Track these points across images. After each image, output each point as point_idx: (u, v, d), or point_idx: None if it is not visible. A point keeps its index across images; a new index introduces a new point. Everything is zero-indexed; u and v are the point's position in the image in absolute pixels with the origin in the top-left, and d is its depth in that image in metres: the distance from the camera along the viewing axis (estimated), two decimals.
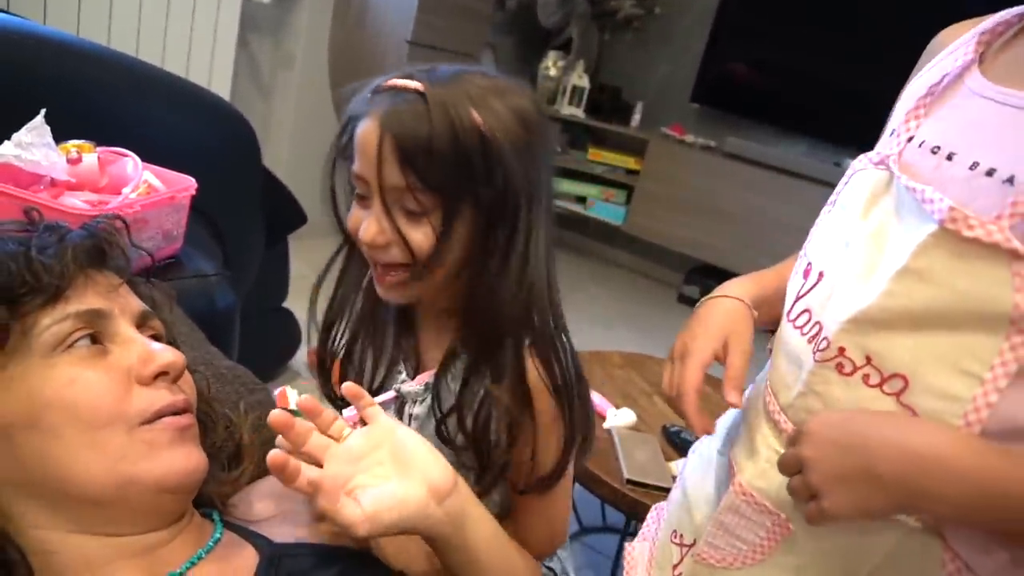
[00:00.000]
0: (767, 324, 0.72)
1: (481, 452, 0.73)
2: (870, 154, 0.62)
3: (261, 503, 0.67)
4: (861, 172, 0.61)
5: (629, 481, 1.29)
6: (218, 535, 0.60)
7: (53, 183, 1.04)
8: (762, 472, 0.63)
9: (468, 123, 0.64)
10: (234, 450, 0.73)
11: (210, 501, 0.65)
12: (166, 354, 0.56)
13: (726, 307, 0.72)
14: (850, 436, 0.53)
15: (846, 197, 0.63)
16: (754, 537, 0.64)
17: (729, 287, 0.74)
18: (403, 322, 0.81)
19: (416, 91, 0.65)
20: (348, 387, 0.61)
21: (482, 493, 0.73)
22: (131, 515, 0.54)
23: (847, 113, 3.11)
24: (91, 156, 1.08)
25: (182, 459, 0.55)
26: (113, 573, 0.53)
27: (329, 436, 0.60)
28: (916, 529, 0.55)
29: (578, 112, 3.53)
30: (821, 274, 0.62)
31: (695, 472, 0.76)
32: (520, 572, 0.66)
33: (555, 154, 0.77)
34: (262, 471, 0.75)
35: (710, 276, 3.37)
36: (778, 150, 3.19)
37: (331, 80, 2.94)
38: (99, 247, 0.59)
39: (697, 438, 0.78)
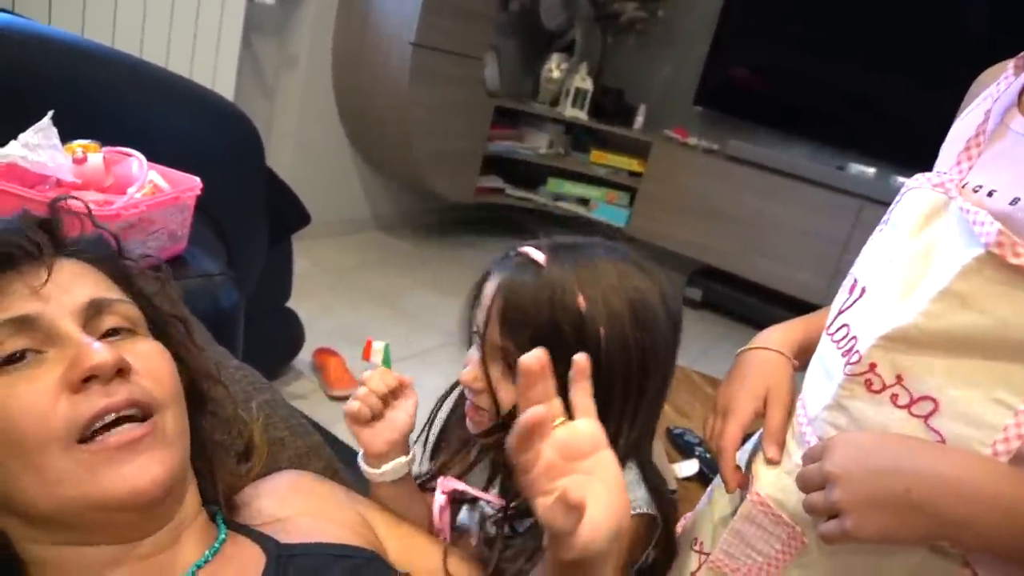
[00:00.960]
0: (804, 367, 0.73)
1: None
2: (928, 174, 0.62)
3: (267, 505, 0.67)
4: (915, 191, 0.61)
5: None
6: (223, 536, 0.60)
7: (59, 183, 1.04)
8: (780, 483, 0.63)
9: (570, 305, 0.66)
10: (244, 448, 0.73)
11: (215, 497, 0.64)
12: (98, 353, 0.50)
13: (765, 360, 0.73)
14: (881, 460, 0.53)
15: (898, 215, 0.62)
16: (769, 549, 0.63)
17: (768, 337, 0.75)
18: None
19: (536, 265, 0.69)
20: (530, 360, 0.49)
21: None
22: (103, 530, 0.52)
23: (851, 116, 3.12)
24: (96, 156, 1.09)
25: (131, 477, 0.50)
26: None
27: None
28: (938, 551, 0.55)
29: (581, 114, 3.54)
30: (864, 290, 0.62)
31: (723, 486, 0.76)
32: None
33: (674, 349, 0.74)
34: (268, 471, 0.75)
35: (713, 279, 3.37)
36: (781, 153, 3.19)
37: (334, 81, 2.95)
38: (6, 252, 0.53)
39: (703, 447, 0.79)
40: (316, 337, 2.26)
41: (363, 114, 3.00)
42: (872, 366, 0.56)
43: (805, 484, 0.57)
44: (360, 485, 0.88)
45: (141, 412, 0.52)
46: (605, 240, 0.75)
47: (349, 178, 3.23)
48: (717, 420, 0.71)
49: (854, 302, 0.62)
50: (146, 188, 1.09)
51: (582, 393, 0.50)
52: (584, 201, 3.63)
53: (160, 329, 0.62)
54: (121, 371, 0.52)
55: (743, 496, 0.68)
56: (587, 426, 0.49)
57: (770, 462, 0.65)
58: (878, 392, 0.56)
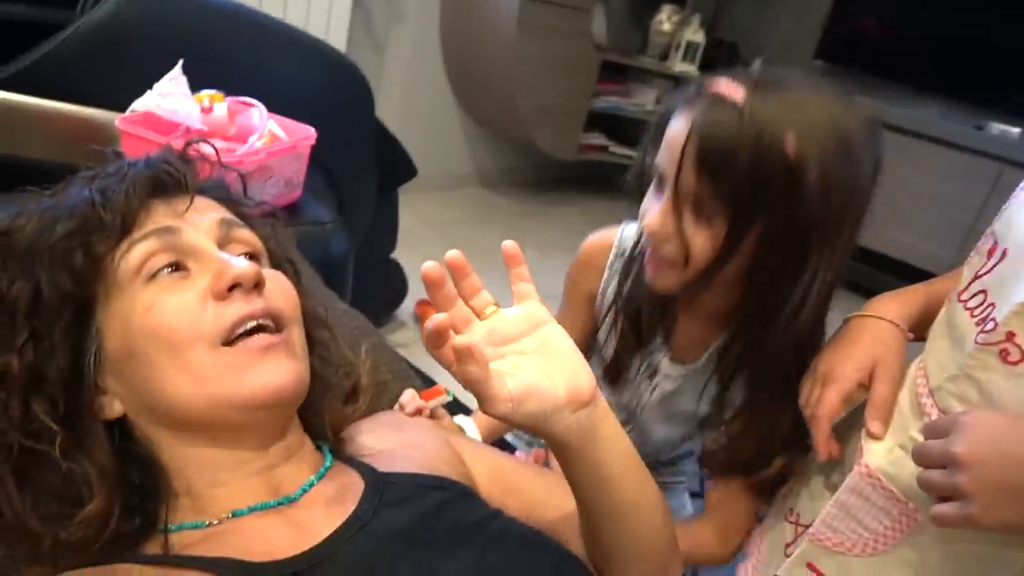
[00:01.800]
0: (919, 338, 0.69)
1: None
2: None
3: (368, 440, 0.70)
4: None
5: None
6: (328, 464, 0.64)
7: (188, 131, 1.10)
8: (893, 456, 0.59)
9: (778, 148, 0.62)
10: (351, 389, 0.76)
11: (323, 432, 0.68)
12: (240, 265, 0.55)
13: (877, 330, 0.68)
14: (1018, 446, 0.49)
15: None
16: (877, 524, 0.60)
17: (883, 306, 0.71)
18: (663, 309, 0.83)
19: (733, 101, 0.64)
20: (506, 245, 0.53)
21: None
22: (237, 432, 0.57)
23: (991, 72, 2.84)
24: (221, 106, 1.14)
25: (270, 376, 0.55)
26: (235, 490, 0.57)
27: (471, 308, 0.53)
28: None
29: (691, 69, 3.39)
30: (1005, 252, 0.57)
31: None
32: (654, 503, 0.60)
33: (872, 188, 0.70)
34: (371, 412, 0.78)
35: None
36: (911, 111, 2.95)
37: (442, 36, 2.96)
38: (158, 177, 0.59)
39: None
40: (418, 289, 2.32)
41: (469, 68, 3.00)
42: (1010, 335, 0.52)
43: (924, 459, 0.53)
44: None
45: (275, 324, 0.57)
46: (801, 71, 0.70)
47: (453, 133, 3.26)
48: (816, 386, 0.68)
49: (993, 266, 0.58)
50: (265, 137, 1.14)
51: (517, 278, 0.54)
52: None
53: (273, 268, 0.66)
54: (258, 284, 0.57)
55: (847, 467, 0.65)
56: (520, 309, 0.53)
57: (872, 437, 0.61)
58: (1014, 364, 0.52)
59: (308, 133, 1.21)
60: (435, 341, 0.47)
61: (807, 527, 0.68)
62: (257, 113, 1.17)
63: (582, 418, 0.51)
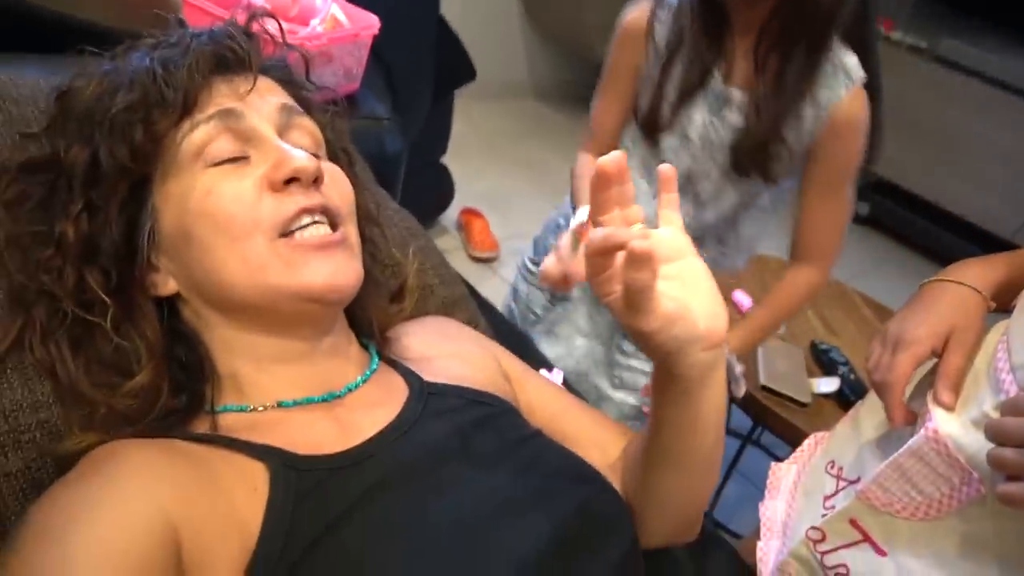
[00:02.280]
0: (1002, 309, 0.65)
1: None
2: None
3: (415, 343, 0.70)
4: None
5: (764, 387, 1.26)
6: (375, 366, 0.64)
7: (249, 6, 1.07)
8: (964, 426, 0.57)
9: None
10: (398, 288, 0.76)
11: (370, 330, 0.68)
12: (299, 158, 0.54)
13: (956, 295, 0.65)
14: None
15: None
16: (934, 491, 0.58)
17: (964, 271, 0.66)
18: (715, 30, 0.94)
19: None
20: (664, 169, 0.51)
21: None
22: (288, 322, 0.57)
23: None
24: None
25: (328, 273, 0.54)
26: (281, 381, 0.58)
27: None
28: None
29: None
30: None
31: (874, 413, 0.71)
32: (717, 463, 0.61)
33: None
34: (415, 314, 0.78)
35: (886, 194, 3.07)
36: (1005, 61, 2.74)
37: None
38: (221, 53, 0.57)
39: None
40: (464, 197, 2.30)
41: None
42: None
43: (999, 436, 0.51)
44: (498, 339, 0.90)
45: (331, 221, 0.57)
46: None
47: (513, 40, 3.15)
48: (886, 351, 0.65)
49: None
50: (328, 22, 1.10)
51: (667, 203, 0.51)
52: None
53: (329, 158, 0.64)
54: (317, 179, 0.56)
55: (909, 430, 0.62)
56: (668, 233, 0.50)
57: (942, 407, 0.59)
58: None
59: (372, 22, 1.16)
60: (602, 249, 0.45)
61: (851, 482, 0.67)
62: None
63: (708, 357, 0.50)
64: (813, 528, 0.67)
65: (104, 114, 0.53)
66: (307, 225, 0.55)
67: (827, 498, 0.69)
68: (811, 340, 1.39)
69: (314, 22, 1.07)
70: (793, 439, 1.20)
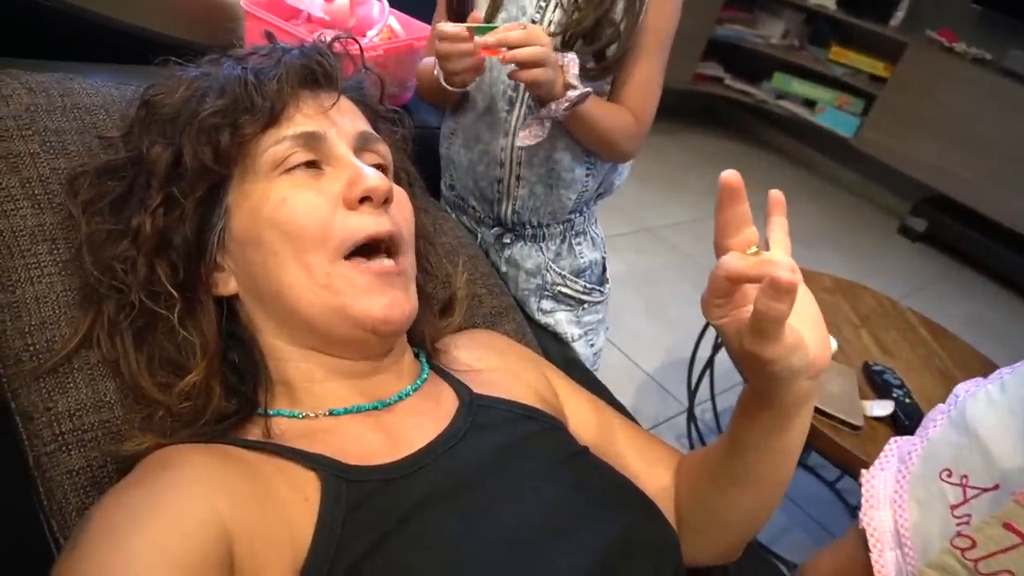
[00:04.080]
0: None
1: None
2: None
3: (464, 355, 0.70)
4: None
5: (815, 409, 1.22)
6: (425, 376, 0.64)
7: (309, 19, 1.09)
8: None
9: None
10: (447, 300, 0.76)
11: (421, 341, 0.68)
12: (373, 178, 0.56)
13: None
14: None
15: None
16: None
17: None
18: None
19: None
20: (774, 193, 0.49)
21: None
22: (340, 343, 0.57)
23: None
24: None
25: (386, 306, 0.56)
26: (331, 389, 0.58)
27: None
28: None
29: (828, 2, 3.13)
30: None
31: (990, 417, 0.69)
32: (781, 493, 0.60)
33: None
34: (465, 323, 0.78)
35: (944, 210, 2.97)
36: None
37: None
38: (310, 68, 0.59)
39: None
40: None
41: None
42: None
43: None
44: (547, 352, 0.89)
45: (392, 248, 0.58)
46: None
47: None
48: None
49: None
50: (384, 32, 1.11)
51: (778, 227, 0.49)
52: (810, 103, 3.28)
53: (394, 180, 0.65)
54: (387, 200, 0.57)
55: None
56: (784, 258, 0.47)
57: None
58: None
59: (424, 30, 1.17)
60: (744, 278, 0.45)
61: (986, 489, 0.65)
62: (377, 6, 1.14)
63: (809, 386, 0.50)
64: (960, 536, 0.65)
65: (191, 116, 0.56)
66: (371, 249, 0.56)
67: (955, 507, 0.68)
68: (865, 361, 1.35)
69: (371, 33, 1.08)
70: (843, 462, 1.16)
